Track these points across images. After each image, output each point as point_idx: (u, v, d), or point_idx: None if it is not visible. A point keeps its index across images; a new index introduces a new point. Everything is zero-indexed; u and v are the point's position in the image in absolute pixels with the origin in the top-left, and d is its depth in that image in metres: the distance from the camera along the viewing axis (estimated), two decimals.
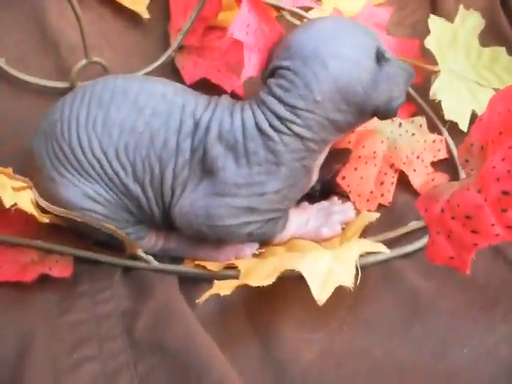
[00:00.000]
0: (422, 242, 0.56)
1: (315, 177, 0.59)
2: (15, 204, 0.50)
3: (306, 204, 0.62)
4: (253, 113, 0.55)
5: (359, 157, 0.64)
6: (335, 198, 0.62)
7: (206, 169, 0.55)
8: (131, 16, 0.71)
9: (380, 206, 0.63)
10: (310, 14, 0.71)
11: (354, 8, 0.74)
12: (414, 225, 0.58)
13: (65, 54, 0.69)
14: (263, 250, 0.59)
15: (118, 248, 0.58)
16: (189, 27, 0.68)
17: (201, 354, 0.47)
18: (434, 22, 0.69)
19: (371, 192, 0.63)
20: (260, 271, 0.52)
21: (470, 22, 0.72)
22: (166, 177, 0.55)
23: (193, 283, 0.57)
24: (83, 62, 0.66)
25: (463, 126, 0.66)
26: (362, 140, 0.65)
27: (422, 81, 0.69)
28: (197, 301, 0.50)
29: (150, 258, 0.59)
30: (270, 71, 0.56)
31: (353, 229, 0.58)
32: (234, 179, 0.54)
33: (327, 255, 0.50)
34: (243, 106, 0.56)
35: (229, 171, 0.54)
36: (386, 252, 0.51)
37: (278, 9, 0.65)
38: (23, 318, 0.52)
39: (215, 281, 0.51)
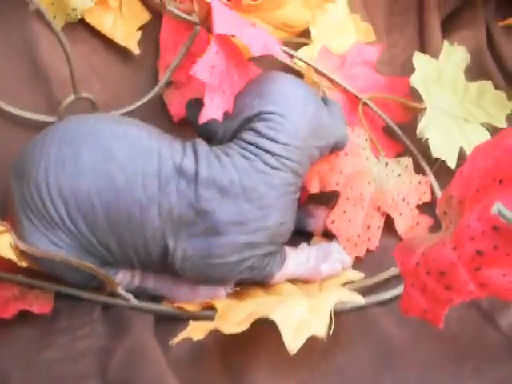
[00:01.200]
0: (399, 289, 0.54)
1: None
2: None
3: (304, 244, 0.61)
4: (241, 155, 0.55)
5: (347, 199, 0.62)
6: (334, 240, 0.61)
7: (200, 211, 0.54)
8: (122, 51, 0.70)
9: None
10: (300, 53, 0.70)
11: (343, 46, 0.73)
12: (392, 271, 0.57)
13: (55, 88, 0.67)
14: (238, 289, 0.57)
15: (97, 288, 0.57)
16: (177, 64, 0.67)
17: None
18: (419, 59, 0.68)
19: (358, 236, 0.61)
20: (235, 314, 0.51)
21: (456, 57, 0.71)
22: (149, 220, 0.54)
23: (171, 322, 0.55)
24: (71, 97, 0.65)
25: (451, 163, 0.64)
26: (350, 181, 0.63)
27: (410, 119, 0.68)
28: (170, 342, 0.48)
29: (130, 295, 0.57)
30: (248, 118, 0.57)
31: (336, 280, 0.57)
32: (235, 218, 0.54)
33: (302, 304, 0.49)
34: (224, 150, 0.56)
35: (227, 211, 0.53)
36: (361, 301, 0.50)
37: None
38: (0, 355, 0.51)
39: (190, 321, 0.50)
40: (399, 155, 0.67)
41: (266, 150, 0.55)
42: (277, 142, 0.55)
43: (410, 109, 0.68)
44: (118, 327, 0.54)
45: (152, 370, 0.48)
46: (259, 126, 0.56)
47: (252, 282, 0.58)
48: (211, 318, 0.52)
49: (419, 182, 0.64)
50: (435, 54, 0.70)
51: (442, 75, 0.69)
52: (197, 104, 0.59)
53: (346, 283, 0.56)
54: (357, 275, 0.57)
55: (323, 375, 0.49)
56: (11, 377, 0.49)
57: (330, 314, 0.47)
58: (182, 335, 0.48)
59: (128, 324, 0.54)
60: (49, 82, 0.67)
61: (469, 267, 0.39)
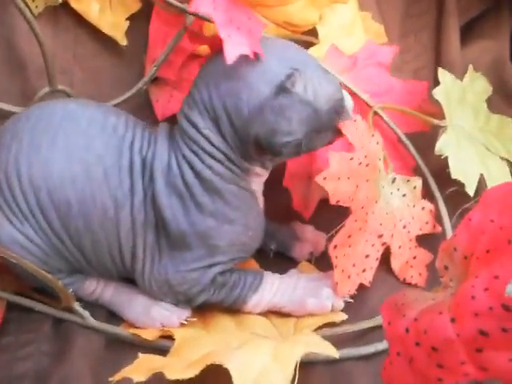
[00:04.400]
0: (384, 344, 0.43)
1: (261, 204, 0.48)
2: None
3: (293, 271, 0.49)
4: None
5: (356, 220, 0.47)
6: (331, 272, 0.47)
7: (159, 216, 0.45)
8: (108, 41, 0.59)
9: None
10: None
11: (352, 47, 0.61)
12: (378, 320, 0.44)
13: (31, 78, 0.58)
14: (195, 319, 0.47)
15: (54, 295, 0.47)
16: (164, 59, 0.56)
17: None
18: (444, 75, 0.54)
19: (354, 265, 0.47)
20: (192, 351, 0.41)
21: (479, 85, 0.57)
22: (122, 220, 0.45)
23: (125, 346, 0.46)
24: (46, 89, 0.55)
25: (470, 188, 0.51)
26: (362, 199, 0.48)
27: (428, 130, 0.55)
28: (110, 379, 0.38)
29: (86, 313, 0.47)
30: None
31: (314, 320, 0.45)
32: (193, 225, 0.45)
33: (267, 350, 0.38)
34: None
35: (185, 219, 0.45)
36: (335, 355, 0.38)
37: None
38: None
39: (139, 355, 0.40)
40: (413, 171, 0.55)
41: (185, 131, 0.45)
42: (188, 120, 0.45)
43: (428, 122, 0.55)
44: (62, 348, 0.46)
45: None
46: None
47: (226, 307, 0.48)
48: (167, 350, 0.43)
49: (422, 208, 0.51)
50: (451, 64, 0.58)
51: (465, 98, 0.56)
52: None
53: (325, 325, 0.45)
54: (339, 316, 0.45)
55: None
56: None
57: (296, 367, 0.37)
58: (123, 372, 0.39)
59: (73, 347, 0.45)
60: (25, 71, 0.58)
61: (468, 347, 0.28)
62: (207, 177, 0.44)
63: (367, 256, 0.48)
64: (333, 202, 0.45)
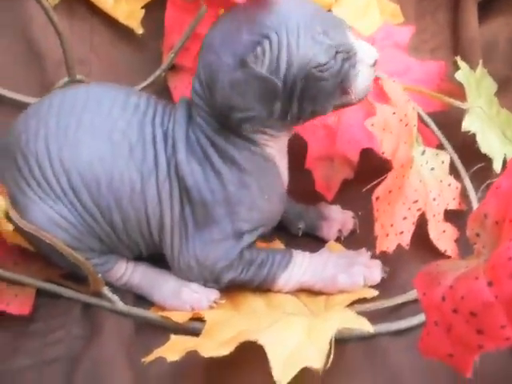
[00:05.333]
0: (419, 318, 0.43)
1: (282, 167, 0.48)
2: None
3: (324, 249, 0.49)
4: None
5: (396, 177, 0.47)
6: (363, 250, 0.48)
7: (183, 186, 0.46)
8: (125, 30, 0.60)
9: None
10: None
11: (369, 28, 0.61)
12: (412, 294, 0.44)
13: (50, 69, 0.58)
14: (224, 301, 0.47)
15: (84, 279, 0.48)
16: (181, 46, 0.57)
17: None
18: (461, 63, 0.55)
19: (392, 225, 0.47)
20: (224, 331, 0.42)
21: (487, 82, 0.57)
22: (148, 194, 0.46)
23: (156, 330, 0.46)
24: (65, 79, 0.56)
25: (497, 163, 0.51)
26: (401, 157, 0.47)
27: (447, 110, 0.55)
28: (142, 360, 0.39)
29: (115, 297, 0.48)
30: None
31: (345, 297, 0.45)
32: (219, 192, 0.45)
33: (299, 327, 0.38)
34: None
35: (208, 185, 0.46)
36: (370, 330, 0.39)
37: None
38: None
39: (171, 336, 0.41)
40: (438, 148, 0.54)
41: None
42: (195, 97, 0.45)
43: (448, 103, 0.54)
44: (92, 331, 0.46)
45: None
46: None
47: (255, 288, 0.48)
48: (198, 332, 0.43)
49: (449, 185, 0.51)
50: (470, 42, 0.58)
51: (481, 86, 0.56)
52: None
53: (356, 302, 0.45)
54: (370, 293, 0.45)
55: None
56: None
57: (330, 343, 0.37)
58: (156, 353, 0.39)
59: (103, 330, 0.45)
60: (43, 62, 0.59)
61: (508, 309, 0.29)
62: (221, 146, 0.45)
63: (405, 218, 0.48)
64: (379, 151, 0.45)
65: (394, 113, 0.47)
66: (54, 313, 0.48)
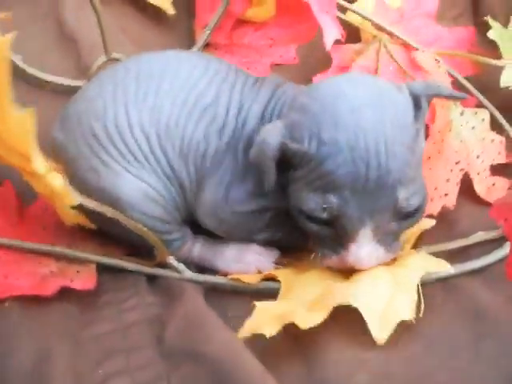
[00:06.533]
0: (490, 258, 0.45)
1: None
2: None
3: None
4: None
5: (434, 143, 0.50)
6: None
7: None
8: (155, 11, 0.61)
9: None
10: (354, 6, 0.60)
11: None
12: (479, 236, 0.47)
13: (83, 52, 0.59)
14: (285, 261, 0.48)
15: (146, 255, 0.48)
16: (216, 23, 0.59)
17: (243, 361, 0.38)
18: (492, 23, 0.57)
19: (435, 189, 0.50)
20: (303, 290, 0.43)
21: None
22: (207, 156, 0.46)
23: (218, 298, 0.47)
24: (103, 58, 0.56)
25: None
26: (439, 121, 0.50)
27: (479, 73, 0.58)
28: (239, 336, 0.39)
29: (182, 266, 0.48)
30: None
31: (406, 235, 0.45)
32: None
33: (385, 280, 0.40)
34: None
35: None
36: (450, 271, 0.41)
37: None
38: (39, 333, 0.42)
39: (256, 305, 0.41)
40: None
41: None
42: None
43: (480, 63, 0.58)
44: (169, 297, 0.46)
45: (219, 334, 0.40)
46: None
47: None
48: (273, 293, 0.44)
49: (492, 141, 0.54)
50: (491, 8, 0.61)
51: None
52: None
53: (418, 245, 0.46)
54: (429, 222, 0.46)
55: (407, 345, 0.40)
56: (55, 352, 0.40)
57: (418, 290, 0.39)
58: (250, 327, 0.39)
59: (180, 293, 0.46)
60: (77, 45, 0.59)
61: None
62: None
63: (448, 180, 0.51)
64: None
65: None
66: (121, 286, 0.48)
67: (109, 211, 0.44)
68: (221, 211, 0.47)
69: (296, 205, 0.41)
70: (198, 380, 0.38)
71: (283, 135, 0.40)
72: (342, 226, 0.40)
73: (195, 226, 0.50)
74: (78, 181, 0.45)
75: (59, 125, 0.48)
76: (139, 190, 0.45)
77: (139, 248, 0.49)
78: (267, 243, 0.49)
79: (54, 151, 0.47)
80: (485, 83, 0.56)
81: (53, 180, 0.42)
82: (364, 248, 0.40)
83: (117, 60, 0.57)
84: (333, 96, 0.40)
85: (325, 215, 0.40)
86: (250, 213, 0.46)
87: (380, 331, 0.38)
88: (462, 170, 0.52)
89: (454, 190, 0.51)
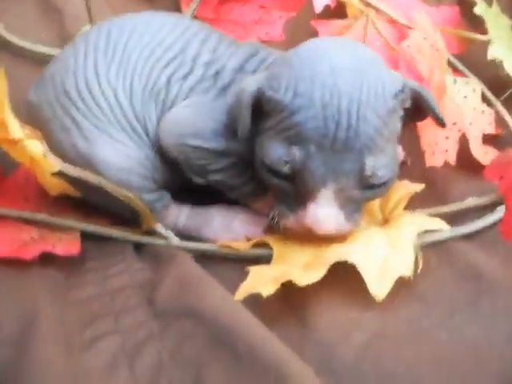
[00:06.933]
0: (483, 222, 0.45)
1: None
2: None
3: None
4: None
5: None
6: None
7: None
8: None
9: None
10: None
11: None
12: (471, 201, 0.47)
13: (67, 22, 0.59)
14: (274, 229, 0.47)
15: (132, 221, 0.47)
16: None
17: (243, 316, 0.38)
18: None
19: (436, 144, 0.50)
20: (297, 255, 0.42)
21: (502, 18, 0.61)
22: (167, 102, 0.45)
23: (207, 268, 0.45)
24: (87, 27, 0.55)
25: None
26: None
27: (464, 51, 0.59)
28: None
29: (170, 233, 0.47)
30: None
31: (395, 198, 0.45)
32: None
33: (380, 240, 0.40)
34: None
35: None
36: (445, 230, 0.41)
37: None
38: (23, 296, 0.41)
39: (250, 269, 0.41)
40: None
41: None
42: None
43: (466, 40, 0.59)
44: (158, 263, 0.45)
45: (213, 294, 0.39)
46: None
47: None
48: (265, 259, 0.43)
49: (483, 112, 0.54)
50: None
51: (498, 22, 0.59)
52: None
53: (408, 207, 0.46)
54: (417, 187, 0.46)
55: (405, 304, 0.40)
56: (41, 314, 0.39)
57: (415, 248, 0.39)
58: (246, 288, 0.39)
59: (170, 258, 0.45)
60: (61, 15, 0.59)
61: None
62: None
63: (447, 138, 0.51)
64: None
65: (425, 38, 0.51)
66: (106, 253, 0.46)
67: (89, 176, 0.43)
68: (180, 135, 0.45)
69: (260, 155, 0.41)
70: (194, 336, 0.38)
71: (261, 83, 0.40)
72: (303, 181, 0.39)
73: (181, 197, 0.49)
74: (54, 144, 0.44)
75: (34, 88, 0.47)
76: (110, 146, 0.45)
77: (124, 218, 0.48)
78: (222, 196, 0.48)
79: (31, 115, 0.46)
80: (470, 63, 0.57)
81: (31, 147, 0.41)
82: (323, 209, 0.39)
83: None
84: (318, 54, 0.40)
85: (286, 169, 0.40)
86: (209, 150, 0.45)
87: (379, 288, 0.38)
88: (459, 130, 0.52)
89: (453, 146, 0.51)
